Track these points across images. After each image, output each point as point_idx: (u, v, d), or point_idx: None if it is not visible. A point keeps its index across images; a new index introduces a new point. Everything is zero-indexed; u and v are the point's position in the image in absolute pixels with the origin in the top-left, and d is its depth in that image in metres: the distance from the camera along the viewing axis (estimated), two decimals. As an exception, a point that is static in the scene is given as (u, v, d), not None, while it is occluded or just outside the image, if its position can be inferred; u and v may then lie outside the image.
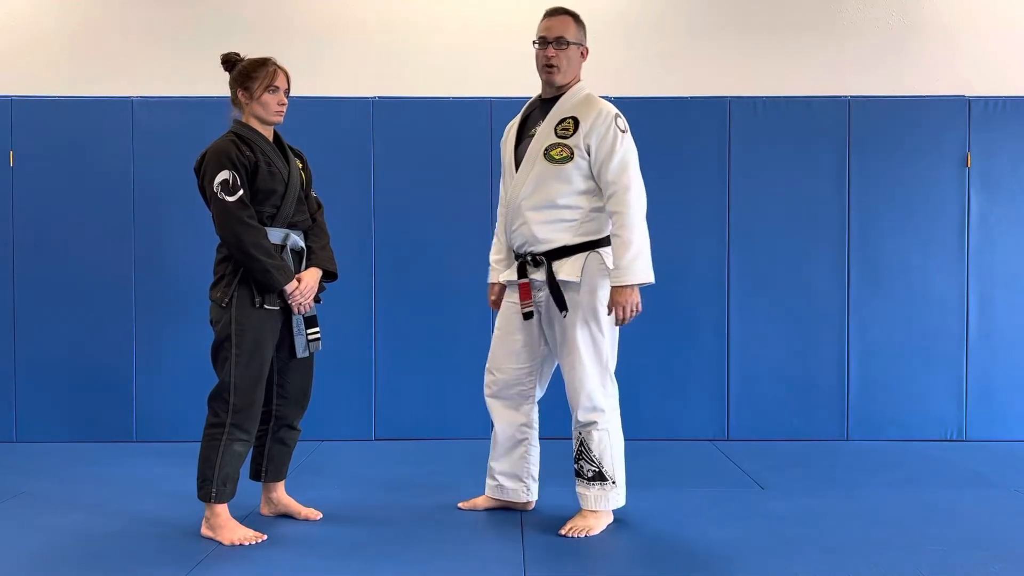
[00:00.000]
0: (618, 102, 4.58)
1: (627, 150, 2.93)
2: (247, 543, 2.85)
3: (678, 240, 4.61)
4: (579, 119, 2.96)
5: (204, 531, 2.92)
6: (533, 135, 3.03)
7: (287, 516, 3.15)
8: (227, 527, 2.88)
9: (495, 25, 4.77)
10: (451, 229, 4.58)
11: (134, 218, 4.56)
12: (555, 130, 2.97)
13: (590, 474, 2.97)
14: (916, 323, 4.61)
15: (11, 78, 4.71)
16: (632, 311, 2.90)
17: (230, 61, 3.01)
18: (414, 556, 2.76)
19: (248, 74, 2.94)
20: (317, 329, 3.05)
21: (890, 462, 4.10)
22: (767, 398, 4.61)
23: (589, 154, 2.92)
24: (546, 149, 2.96)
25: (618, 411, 3.03)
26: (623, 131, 2.96)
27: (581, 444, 2.98)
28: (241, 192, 2.83)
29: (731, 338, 4.62)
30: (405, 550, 2.82)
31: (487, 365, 3.21)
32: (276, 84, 2.95)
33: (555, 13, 3.09)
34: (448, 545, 2.86)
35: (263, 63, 2.95)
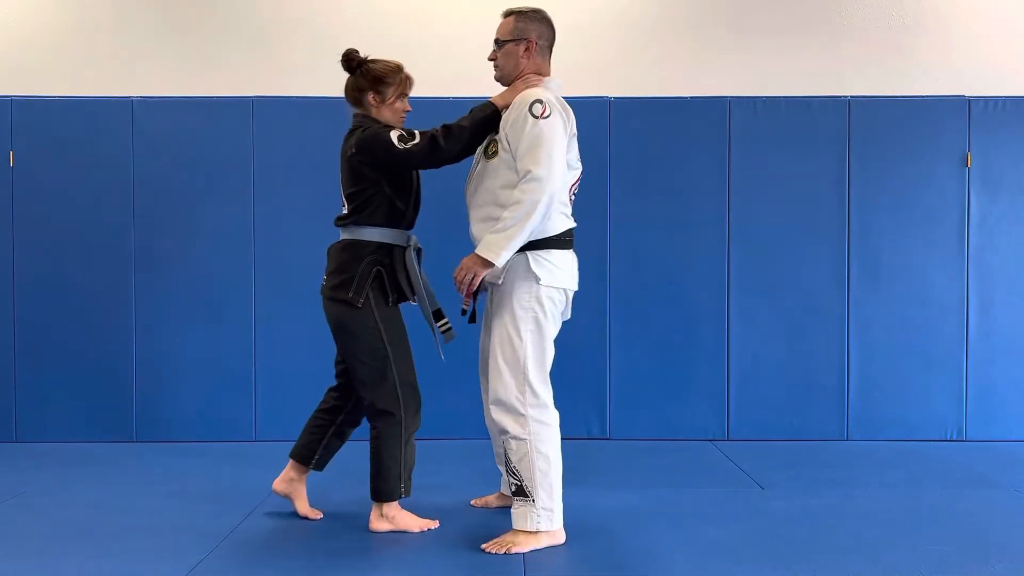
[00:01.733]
0: (618, 102, 4.61)
1: (537, 135, 2.71)
2: (430, 528, 2.99)
3: (678, 240, 4.61)
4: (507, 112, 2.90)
5: (382, 525, 2.95)
6: None
7: (290, 502, 3.17)
8: (411, 517, 2.98)
9: (495, 25, 4.77)
10: (451, 228, 4.56)
11: (134, 218, 4.56)
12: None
13: (513, 487, 2.80)
14: (916, 323, 4.61)
15: (11, 78, 4.71)
16: (465, 278, 2.75)
17: (353, 59, 3.02)
18: (414, 556, 2.75)
19: (383, 79, 2.99)
20: (447, 320, 3.07)
21: (890, 462, 4.10)
22: (767, 398, 4.61)
23: (509, 143, 2.80)
24: (484, 146, 2.94)
25: (549, 426, 2.81)
26: (537, 116, 2.73)
27: (506, 452, 2.83)
28: (418, 135, 2.88)
29: (731, 338, 4.62)
30: (405, 550, 2.81)
31: None
32: (407, 91, 3.04)
33: (503, 16, 3.07)
34: (448, 545, 2.85)
35: (398, 69, 3.02)
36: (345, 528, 3.05)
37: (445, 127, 2.88)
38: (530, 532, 2.79)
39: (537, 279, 2.80)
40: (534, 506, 2.77)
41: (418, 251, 3.09)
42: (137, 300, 4.56)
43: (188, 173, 4.57)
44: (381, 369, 2.92)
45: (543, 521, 2.78)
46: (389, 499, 2.95)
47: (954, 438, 4.59)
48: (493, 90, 4.65)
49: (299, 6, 4.77)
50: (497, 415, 2.81)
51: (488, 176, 2.87)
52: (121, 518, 3.16)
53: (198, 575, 2.59)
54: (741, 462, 4.08)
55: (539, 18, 3.00)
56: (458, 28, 4.76)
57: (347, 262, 2.94)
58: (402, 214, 2.99)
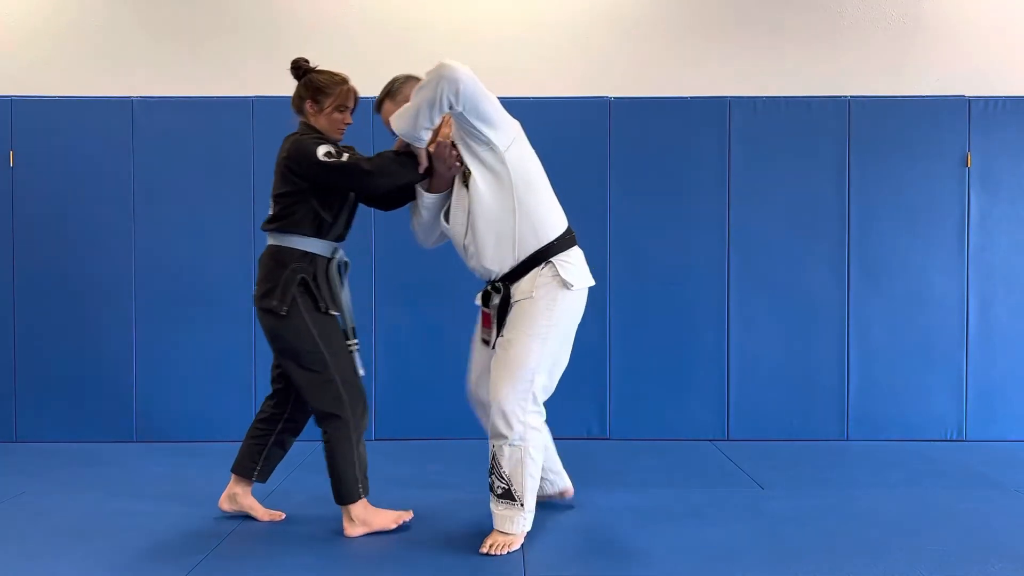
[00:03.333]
0: (618, 102, 4.62)
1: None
2: (405, 520, 3.00)
3: (678, 240, 4.61)
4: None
5: (356, 530, 2.93)
6: None
7: (245, 514, 3.15)
8: (379, 514, 2.97)
9: (494, 25, 4.78)
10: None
11: (134, 218, 4.56)
12: None
13: (499, 491, 2.78)
14: (916, 323, 4.61)
15: (11, 78, 4.71)
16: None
17: (300, 68, 3.02)
18: (415, 556, 2.76)
19: (322, 88, 2.97)
20: (356, 341, 3.07)
21: (890, 462, 4.10)
22: (767, 398, 4.61)
23: (464, 132, 2.75)
24: (461, 183, 2.85)
25: (539, 431, 2.82)
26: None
27: (493, 458, 2.79)
28: (347, 154, 2.85)
29: (731, 338, 4.62)
30: (406, 550, 2.81)
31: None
32: (347, 104, 2.99)
33: (376, 109, 2.99)
34: (449, 545, 2.86)
35: (340, 82, 2.99)
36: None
37: (375, 155, 2.87)
38: (514, 534, 2.79)
39: (569, 285, 2.80)
40: (522, 510, 2.78)
41: (345, 265, 3.06)
42: (137, 300, 4.56)
43: (188, 173, 4.57)
44: (321, 373, 2.89)
45: (528, 523, 2.81)
46: (352, 501, 2.93)
47: (954, 438, 4.59)
48: (494, 90, 4.66)
49: (299, 6, 4.77)
50: (495, 419, 2.77)
51: (476, 201, 2.79)
52: (120, 518, 3.16)
53: (198, 575, 2.59)
54: (741, 462, 4.08)
55: (403, 80, 2.93)
56: (456, 27, 4.76)
57: (272, 270, 2.92)
58: (328, 226, 2.95)
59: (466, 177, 2.82)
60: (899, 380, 4.60)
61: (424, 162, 2.84)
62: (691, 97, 4.66)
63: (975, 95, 4.65)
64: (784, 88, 4.75)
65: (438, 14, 4.77)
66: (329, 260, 2.98)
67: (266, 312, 2.91)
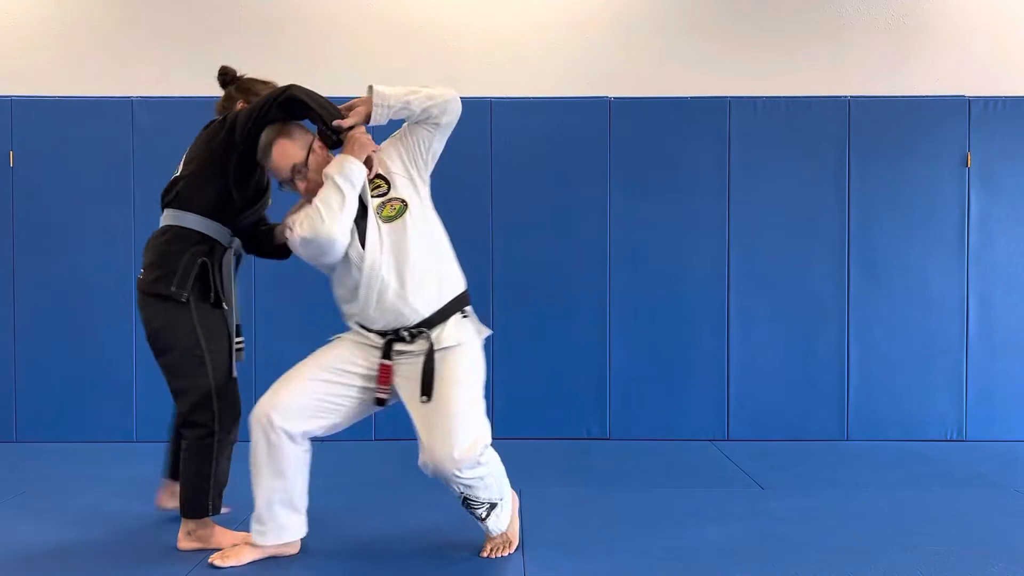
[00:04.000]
0: (618, 102, 4.62)
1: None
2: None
3: (678, 240, 4.61)
4: (383, 169, 2.73)
5: (187, 544, 2.79)
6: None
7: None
8: (223, 534, 2.82)
9: (495, 25, 4.78)
10: (449, 229, 4.56)
11: (134, 218, 4.56)
12: (371, 193, 2.69)
13: (483, 515, 2.70)
14: (916, 323, 4.61)
15: (11, 78, 4.71)
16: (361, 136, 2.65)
17: (227, 75, 2.96)
18: (415, 558, 2.75)
19: (251, 89, 2.91)
20: (242, 339, 2.91)
21: (890, 462, 4.10)
22: (767, 398, 4.61)
23: (411, 160, 2.73)
24: (381, 210, 2.66)
25: (490, 446, 2.64)
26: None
27: (465, 500, 2.65)
28: None
29: (731, 338, 4.62)
30: (406, 552, 2.81)
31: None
32: None
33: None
34: (449, 546, 2.85)
35: (269, 84, 2.92)
36: (344, 528, 3.04)
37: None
38: (505, 530, 2.77)
39: (483, 333, 2.76)
40: (502, 505, 2.73)
41: (239, 257, 2.88)
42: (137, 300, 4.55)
43: (188, 173, 4.56)
44: (195, 376, 2.69)
45: (509, 507, 2.77)
46: (195, 516, 2.77)
47: (954, 438, 4.59)
48: (494, 90, 4.69)
49: (299, 7, 4.77)
50: (462, 480, 2.57)
51: (410, 231, 2.64)
52: (121, 519, 3.16)
53: (197, 575, 2.59)
54: (741, 462, 4.08)
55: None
56: (457, 27, 4.76)
57: (167, 253, 2.70)
58: (234, 210, 2.76)
59: (387, 209, 2.66)
60: (899, 380, 4.61)
61: (349, 122, 2.64)
62: (691, 97, 4.66)
63: (975, 95, 4.65)
64: (784, 88, 4.75)
65: (438, 14, 4.77)
66: (226, 249, 2.80)
67: (157, 298, 2.69)
